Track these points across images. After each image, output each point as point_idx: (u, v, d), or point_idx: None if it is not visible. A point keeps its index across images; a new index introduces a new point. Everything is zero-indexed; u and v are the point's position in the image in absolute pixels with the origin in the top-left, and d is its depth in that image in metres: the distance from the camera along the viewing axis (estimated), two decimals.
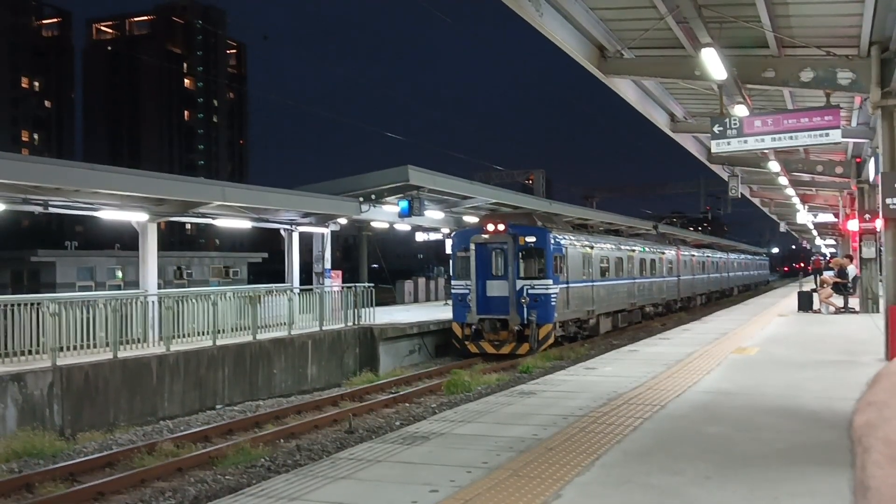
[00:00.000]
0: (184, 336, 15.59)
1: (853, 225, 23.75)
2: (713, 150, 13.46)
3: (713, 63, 11.48)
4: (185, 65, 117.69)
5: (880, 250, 13.91)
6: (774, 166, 22.10)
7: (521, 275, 21.43)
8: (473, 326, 21.30)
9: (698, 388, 9.45)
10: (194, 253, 43.98)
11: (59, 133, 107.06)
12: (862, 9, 10.67)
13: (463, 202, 24.58)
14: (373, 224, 27.48)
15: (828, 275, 23.23)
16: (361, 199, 21.30)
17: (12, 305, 12.83)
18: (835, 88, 12.39)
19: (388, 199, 22.50)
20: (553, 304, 21.41)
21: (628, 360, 12.94)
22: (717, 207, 64.74)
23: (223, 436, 12.28)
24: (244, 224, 21.01)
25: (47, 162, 17.40)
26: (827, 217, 38.32)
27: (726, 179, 26.98)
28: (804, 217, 39.13)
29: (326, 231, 22.47)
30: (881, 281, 14.54)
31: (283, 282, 21.76)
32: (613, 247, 28.36)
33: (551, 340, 21.30)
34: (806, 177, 25.91)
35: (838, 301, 21.32)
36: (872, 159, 19.38)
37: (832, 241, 53.18)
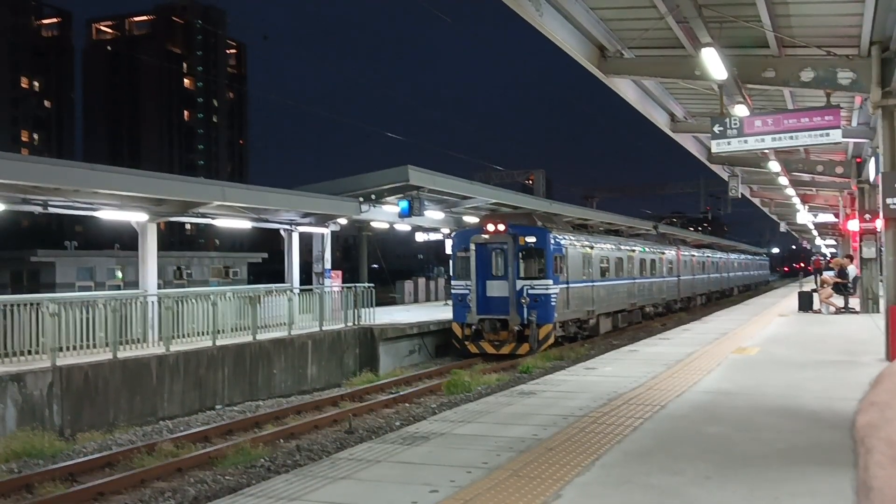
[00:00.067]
0: (183, 336, 15.58)
1: (853, 225, 23.75)
2: (713, 150, 13.45)
3: (713, 63, 11.47)
4: (184, 65, 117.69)
5: (881, 250, 13.91)
6: (775, 166, 22.09)
7: (521, 275, 21.42)
8: (473, 326, 21.29)
9: (698, 388, 9.44)
10: (194, 253, 44.00)
11: (59, 133, 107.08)
12: (862, 8, 10.66)
13: (463, 202, 24.57)
14: (373, 224, 27.47)
15: (828, 275, 23.23)
16: (361, 199, 21.29)
17: (12, 305, 12.83)
18: (835, 88, 12.38)
19: (388, 199, 22.49)
20: (553, 304, 21.40)
21: (628, 360, 12.93)
22: (717, 207, 64.80)
23: (223, 436, 12.27)
24: (244, 224, 21.01)
25: (47, 162, 17.39)
26: (827, 217, 38.30)
27: (726, 179, 26.98)
28: (804, 217, 39.11)
29: (326, 231, 22.47)
30: (881, 281, 14.53)
31: (283, 282, 21.75)
32: (613, 247, 28.35)
33: (551, 340, 21.29)
34: (806, 177, 25.90)
35: (839, 301, 21.31)
36: (873, 159, 19.38)
37: (832, 242, 53.18)
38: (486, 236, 21.73)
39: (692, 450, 6.32)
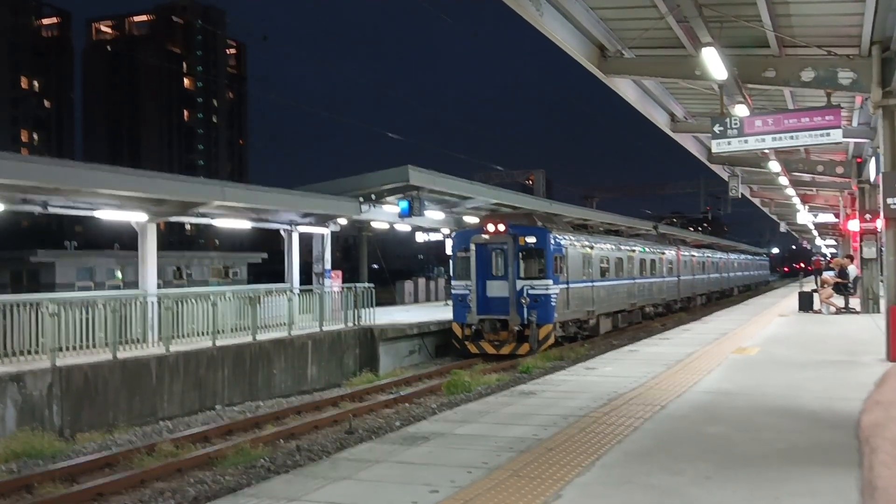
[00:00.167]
0: (183, 336, 15.57)
1: (854, 225, 23.75)
2: (713, 150, 13.45)
3: (714, 63, 11.47)
4: (184, 65, 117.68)
5: (881, 250, 13.90)
6: (775, 166, 22.08)
7: (522, 275, 21.41)
8: (473, 327, 21.28)
9: (699, 388, 9.43)
10: (194, 253, 44.01)
11: (59, 133, 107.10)
12: (863, 8, 10.66)
13: (463, 202, 24.56)
14: (373, 224, 27.45)
15: (828, 275, 23.23)
16: (361, 199, 21.27)
17: (12, 306, 12.81)
18: (836, 88, 12.37)
19: (388, 199, 22.47)
20: (553, 304, 21.39)
21: (628, 360, 12.92)
22: (717, 207, 64.79)
23: (223, 436, 12.26)
24: (244, 224, 20.99)
25: (47, 162, 17.38)
26: (827, 217, 38.30)
27: (726, 179, 26.98)
28: (804, 217, 39.11)
29: (326, 231, 22.45)
30: (882, 281, 14.53)
31: (283, 282, 21.73)
32: (613, 247, 28.35)
33: (551, 341, 21.28)
34: (806, 177, 25.90)
35: (839, 301, 21.31)
36: (873, 159, 19.38)
37: (832, 242, 53.18)
38: (487, 236, 21.72)
39: (692, 450, 6.31)
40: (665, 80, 15.89)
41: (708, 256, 47.40)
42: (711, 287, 47.60)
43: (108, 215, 16.69)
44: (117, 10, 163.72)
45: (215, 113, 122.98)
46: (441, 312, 25.12)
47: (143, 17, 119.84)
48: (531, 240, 21.54)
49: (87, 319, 13.77)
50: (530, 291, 21.15)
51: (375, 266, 36.47)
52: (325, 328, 18.97)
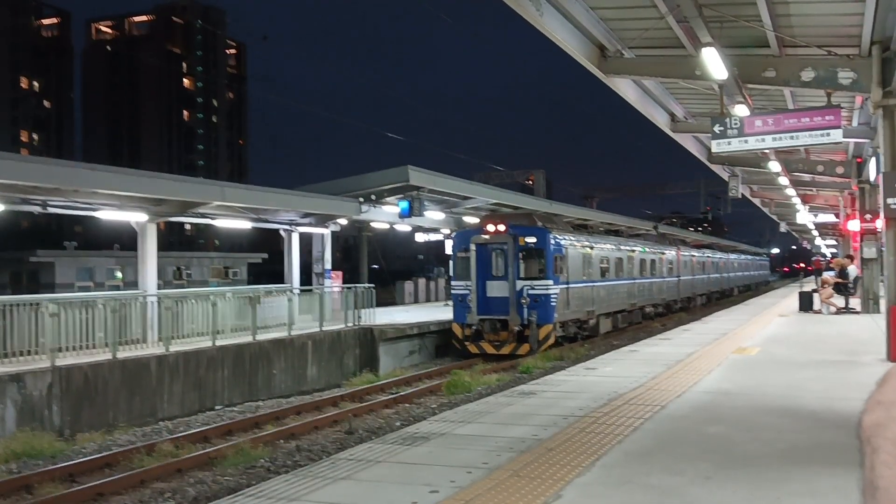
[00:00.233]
0: (183, 337, 15.56)
1: (854, 225, 23.73)
2: (713, 150, 13.44)
3: (714, 62, 11.46)
4: (184, 65, 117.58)
5: (881, 250, 13.89)
6: (775, 166, 22.07)
7: (522, 275, 21.41)
8: (474, 327, 21.27)
9: (699, 388, 9.43)
10: (194, 253, 44.00)
11: (59, 133, 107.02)
12: (863, 8, 10.65)
13: (463, 202, 24.57)
14: (373, 224, 27.46)
15: (828, 275, 23.22)
16: (361, 199, 21.28)
17: (11, 306, 12.81)
18: (836, 88, 12.37)
19: (388, 199, 22.48)
20: (553, 304, 21.38)
21: (628, 360, 12.91)
22: (717, 208, 64.81)
23: (223, 436, 12.25)
24: (244, 224, 21.00)
25: (46, 162, 17.36)
26: (827, 217, 38.29)
27: (726, 179, 26.97)
28: (804, 217, 39.10)
29: (326, 231, 22.46)
30: (882, 281, 14.52)
31: (283, 282, 21.74)
32: (613, 247, 28.34)
33: (551, 341, 21.28)
34: (806, 177, 25.89)
35: (839, 301, 21.30)
36: (873, 159, 19.36)
37: (833, 242, 53.18)
38: (487, 237, 21.72)
39: (693, 450, 6.30)
40: (665, 80, 15.88)
41: (708, 256, 47.40)
42: (711, 287, 47.59)
43: (108, 215, 16.70)
44: (117, 10, 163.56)
45: (215, 113, 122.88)
46: (441, 313, 25.11)
47: (143, 18, 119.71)
48: (531, 240, 21.54)
49: (87, 319, 13.77)
50: (530, 291, 21.14)
51: (375, 266, 36.49)
52: (325, 328, 18.96)
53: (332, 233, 23.03)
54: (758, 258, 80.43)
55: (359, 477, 5.76)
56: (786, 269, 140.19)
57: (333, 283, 22.38)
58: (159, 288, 18.53)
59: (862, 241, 20.29)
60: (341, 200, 20.69)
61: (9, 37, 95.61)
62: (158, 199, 16.27)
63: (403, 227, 28.08)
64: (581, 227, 28.64)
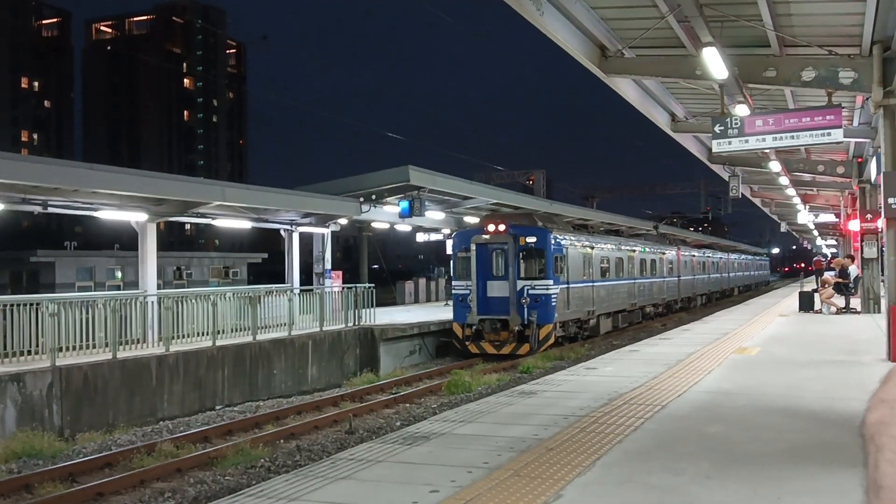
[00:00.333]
0: (183, 336, 15.56)
1: (854, 225, 23.72)
2: (714, 150, 13.44)
3: (714, 62, 11.45)
4: (184, 65, 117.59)
5: (882, 250, 13.89)
6: (775, 166, 22.06)
7: (522, 275, 21.41)
8: (474, 327, 21.27)
9: (699, 388, 9.42)
10: (194, 253, 43.95)
11: (59, 133, 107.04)
12: (864, 8, 10.65)
13: (463, 202, 24.55)
14: (373, 224, 27.45)
15: (829, 275, 23.21)
16: (362, 199, 21.27)
17: (11, 306, 12.80)
18: (836, 88, 12.36)
19: (388, 199, 22.46)
20: (553, 304, 21.38)
21: (629, 360, 12.91)
22: (718, 207, 64.63)
23: (223, 436, 12.25)
24: (244, 224, 20.98)
25: (46, 162, 17.37)
26: (828, 217, 38.30)
27: (727, 179, 26.93)
28: (805, 217, 39.09)
29: (327, 231, 22.44)
30: (883, 281, 14.51)
31: (283, 282, 21.72)
32: (614, 247, 28.34)
33: (552, 341, 21.27)
34: (807, 177, 25.89)
35: (840, 301, 21.29)
36: (874, 159, 19.36)
37: (833, 242, 53.16)
38: (487, 236, 21.71)
39: (693, 449, 6.30)
40: (665, 79, 15.87)
41: (708, 256, 47.39)
42: (712, 287, 47.58)
43: (108, 215, 16.69)
44: (117, 10, 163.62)
45: (215, 113, 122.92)
46: (441, 312, 25.11)
47: (143, 17, 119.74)
48: (531, 240, 21.54)
49: (87, 319, 13.76)
50: (531, 291, 21.14)
51: (376, 266, 36.46)
52: (325, 328, 18.96)
53: (333, 233, 23.00)
54: (758, 258, 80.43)
55: (359, 477, 5.76)
56: (786, 269, 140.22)
57: (334, 283, 22.35)
58: (159, 288, 18.52)
59: (862, 240, 20.28)
60: (341, 200, 20.68)
61: (9, 37, 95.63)
62: (159, 198, 16.26)
63: (404, 227, 28.06)
64: (581, 227, 28.63)
